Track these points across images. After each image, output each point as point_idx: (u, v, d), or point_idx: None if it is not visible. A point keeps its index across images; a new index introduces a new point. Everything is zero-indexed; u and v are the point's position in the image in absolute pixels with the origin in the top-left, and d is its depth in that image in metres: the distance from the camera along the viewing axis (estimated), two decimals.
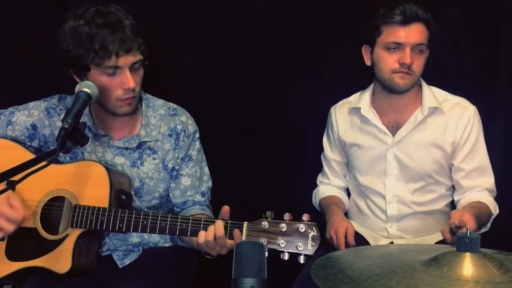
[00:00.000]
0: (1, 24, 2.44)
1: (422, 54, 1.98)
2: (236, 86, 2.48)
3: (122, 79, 1.78)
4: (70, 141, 1.61)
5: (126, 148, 1.93)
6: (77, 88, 1.69)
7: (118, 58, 1.74)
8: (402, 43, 1.94)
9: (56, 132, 1.90)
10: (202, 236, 1.66)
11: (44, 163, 1.54)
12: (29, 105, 1.99)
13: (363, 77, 2.18)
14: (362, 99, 2.14)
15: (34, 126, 1.96)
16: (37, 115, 1.96)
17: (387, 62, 1.98)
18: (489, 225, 2.03)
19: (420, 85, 2.10)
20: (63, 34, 1.78)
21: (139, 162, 1.94)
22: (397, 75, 1.98)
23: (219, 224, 1.65)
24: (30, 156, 1.86)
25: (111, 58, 1.74)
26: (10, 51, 2.48)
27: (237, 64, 2.45)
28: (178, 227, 1.71)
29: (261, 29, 2.41)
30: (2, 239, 1.83)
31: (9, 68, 2.50)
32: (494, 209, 2.03)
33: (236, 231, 1.64)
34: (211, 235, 1.64)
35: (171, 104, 2.03)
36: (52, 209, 1.84)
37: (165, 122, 1.98)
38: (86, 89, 1.68)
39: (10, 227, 1.74)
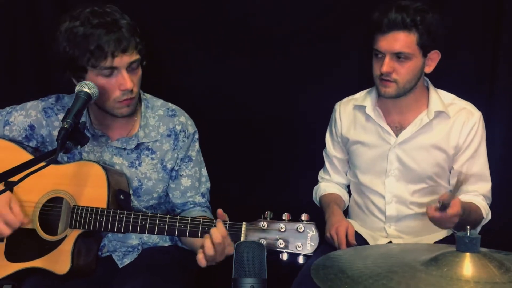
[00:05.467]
0: (1, 24, 2.44)
1: (407, 62, 1.94)
2: (237, 86, 2.47)
3: (119, 80, 1.76)
4: (70, 141, 1.60)
5: (124, 149, 1.93)
6: (77, 88, 1.68)
7: (114, 58, 1.72)
8: (382, 52, 1.94)
9: (54, 133, 1.91)
10: (209, 244, 1.62)
11: (43, 163, 1.53)
12: (27, 105, 1.98)
13: (364, 76, 2.17)
14: (368, 98, 2.13)
15: (31, 127, 1.95)
16: (34, 116, 1.95)
17: (374, 69, 2.00)
18: (479, 229, 2.03)
19: (427, 88, 2.09)
20: (59, 36, 1.75)
21: (137, 162, 1.94)
22: (380, 82, 1.99)
23: (220, 224, 1.65)
24: (28, 156, 1.85)
25: (107, 58, 1.72)
26: (10, 51, 2.47)
27: (237, 64, 2.44)
28: (176, 228, 1.71)
29: (262, 29, 2.41)
30: (1, 240, 1.83)
31: (9, 69, 2.49)
32: (486, 213, 2.03)
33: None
34: (218, 237, 1.62)
35: (170, 104, 2.03)
36: (51, 210, 1.83)
37: (164, 123, 1.97)
38: (86, 89, 1.67)
39: (6, 231, 1.73)
